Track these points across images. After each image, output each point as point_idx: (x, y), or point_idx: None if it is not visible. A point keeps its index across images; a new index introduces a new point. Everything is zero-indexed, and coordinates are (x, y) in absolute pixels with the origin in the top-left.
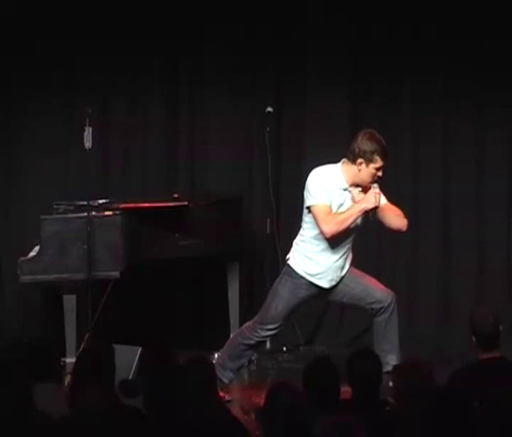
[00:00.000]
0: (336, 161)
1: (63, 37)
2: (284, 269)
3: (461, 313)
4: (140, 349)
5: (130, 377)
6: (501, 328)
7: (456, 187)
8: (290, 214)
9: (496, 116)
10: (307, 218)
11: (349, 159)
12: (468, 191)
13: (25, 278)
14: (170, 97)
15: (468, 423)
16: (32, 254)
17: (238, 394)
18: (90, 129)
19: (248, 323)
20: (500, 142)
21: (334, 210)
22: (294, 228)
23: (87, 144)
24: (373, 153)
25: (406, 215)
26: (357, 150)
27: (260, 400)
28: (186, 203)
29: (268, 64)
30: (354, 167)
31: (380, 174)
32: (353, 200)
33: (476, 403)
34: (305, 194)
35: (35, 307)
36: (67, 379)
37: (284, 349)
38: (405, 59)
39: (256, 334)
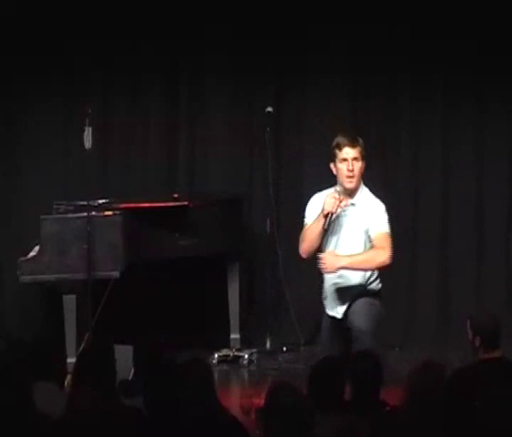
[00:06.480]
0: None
1: (63, 37)
2: None
3: (461, 313)
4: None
5: (130, 377)
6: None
7: (456, 187)
8: (290, 214)
9: (497, 115)
10: None
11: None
12: (468, 191)
13: (25, 278)
14: (170, 97)
15: (469, 423)
16: (32, 254)
17: (238, 394)
18: (90, 129)
19: None
20: (500, 141)
21: None
22: (294, 228)
23: (87, 144)
24: (333, 149)
25: (406, 215)
26: None
27: (260, 400)
28: (186, 203)
29: (268, 64)
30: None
31: (349, 167)
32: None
33: (477, 403)
34: None
35: (35, 307)
36: (67, 379)
37: (284, 349)
38: (405, 59)
39: None
